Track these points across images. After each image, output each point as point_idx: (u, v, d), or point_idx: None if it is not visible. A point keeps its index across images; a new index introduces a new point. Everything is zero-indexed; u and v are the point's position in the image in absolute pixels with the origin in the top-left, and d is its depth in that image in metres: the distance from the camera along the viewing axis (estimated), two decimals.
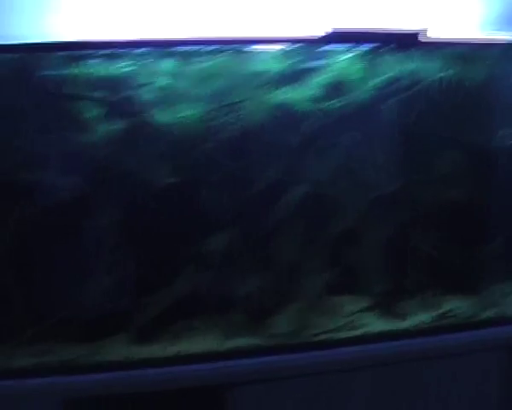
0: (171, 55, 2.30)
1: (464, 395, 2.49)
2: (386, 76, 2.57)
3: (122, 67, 2.34)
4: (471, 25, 2.63)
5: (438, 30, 2.52)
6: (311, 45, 2.40)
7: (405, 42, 2.45)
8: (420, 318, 2.55)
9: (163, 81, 2.39)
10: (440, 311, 2.59)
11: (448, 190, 2.78)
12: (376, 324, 2.50)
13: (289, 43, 2.36)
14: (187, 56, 2.30)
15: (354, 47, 2.43)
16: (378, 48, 2.44)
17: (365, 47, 2.45)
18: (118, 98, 2.42)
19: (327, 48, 2.44)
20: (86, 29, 2.32)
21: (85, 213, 2.44)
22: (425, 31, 2.40)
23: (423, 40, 2.41)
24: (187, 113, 2.40)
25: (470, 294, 2.70)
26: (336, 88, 2.53)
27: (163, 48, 2.27)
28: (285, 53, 2.39)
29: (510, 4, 2.61)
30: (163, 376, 2.26)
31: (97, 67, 2.32)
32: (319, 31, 2.32)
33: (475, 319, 2.58)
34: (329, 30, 2.31)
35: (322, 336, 2.42)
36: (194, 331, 2.43)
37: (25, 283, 2.37)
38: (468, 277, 2.75)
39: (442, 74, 2.61)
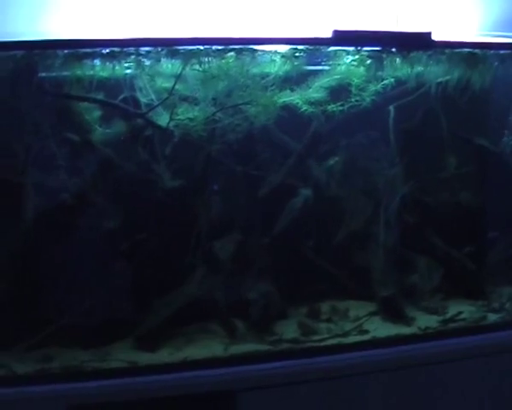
0: (175, 55, 2.25)
1: (472, 400, 2.46)
2: (392, 79, 2.54)
3: (124, 67, 2.30)
4: (472, 28, 2.63)
5: (443, 32, 2.50)
6: (316, 46, 2.37)
7: (412, 43, 2.42)
8: (427, 322, 2.52)
9: (166, 82, 2.36)
10: (448, 315, 2.57)
11: (455, 192, 2.78)
12: (383, 328, 2.47)
13: (295, 44, 2.33)
14: (191, 57, 2.26)
15: (359, 49, 2.40)
16: (384, 49, 2.42)
17: (371, 48, 2.42)
18: (120, 99, 2.40)
19: (332, 49, 2.42)
20: (86, 28, 2.30)
21: (88, 216, 2.42)
22: (431, 33, 2.37)
23: (430, 42, 2.38)
24: (190, 115, 2.38)
25: (478, 298, 2.68)
26: (341, 90, 2.51)
27: (166, 47, 2.21)
28: (291, 54, 2.36)
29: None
30: (168, 382, 2.22)
31: (98, 68, 2.27)
32: (325, 32, 2.29)
33: (483, 323, 2.55)
34: (335, 31, 2.28)
35: (329, 342, 2.39)
36: (199, 337, 2.40)
37: (27, 288, 2.34)
38: (475, 280, 2.73)
39: (448, 77, 2.59)
